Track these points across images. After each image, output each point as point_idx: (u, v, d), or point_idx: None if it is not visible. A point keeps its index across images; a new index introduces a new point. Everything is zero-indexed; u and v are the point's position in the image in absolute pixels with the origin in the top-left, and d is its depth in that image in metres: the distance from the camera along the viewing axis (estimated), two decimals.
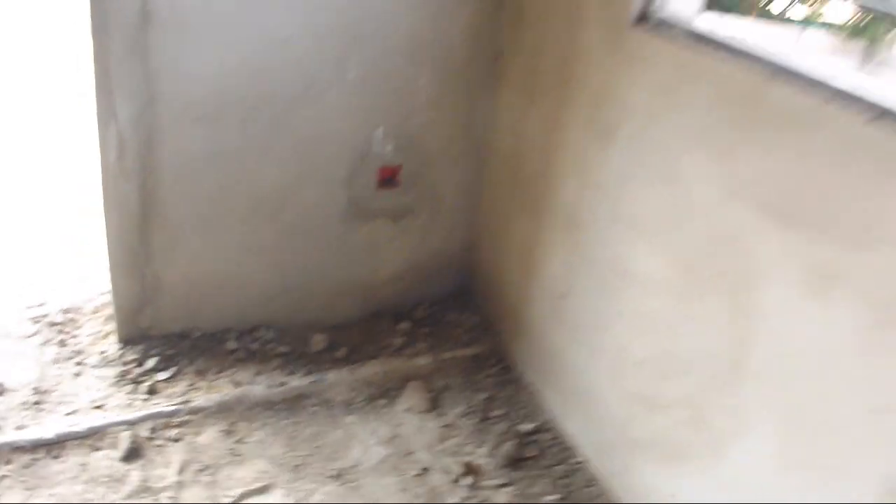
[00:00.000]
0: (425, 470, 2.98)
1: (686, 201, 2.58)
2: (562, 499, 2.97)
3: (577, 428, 3.26)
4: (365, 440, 3.05)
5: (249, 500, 2.71)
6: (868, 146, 2.02)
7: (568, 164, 3.16)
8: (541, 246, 3.40)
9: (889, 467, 2.02)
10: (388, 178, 3.43)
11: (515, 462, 3.09)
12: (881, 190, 2.00)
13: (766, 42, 2.47)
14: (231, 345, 3.35)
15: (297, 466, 2.88)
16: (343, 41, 3.03)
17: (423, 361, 3.50)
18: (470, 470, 3.01)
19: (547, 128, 3.27)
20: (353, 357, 3.45)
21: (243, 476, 2.79)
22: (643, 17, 2.74)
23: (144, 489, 2.68)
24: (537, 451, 3.18)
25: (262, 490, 2.76)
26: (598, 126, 2.94)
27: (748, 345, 2.41)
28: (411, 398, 3.30)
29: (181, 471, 2.77)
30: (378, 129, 3.28)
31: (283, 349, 3.40)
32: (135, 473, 2.74)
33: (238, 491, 2.73)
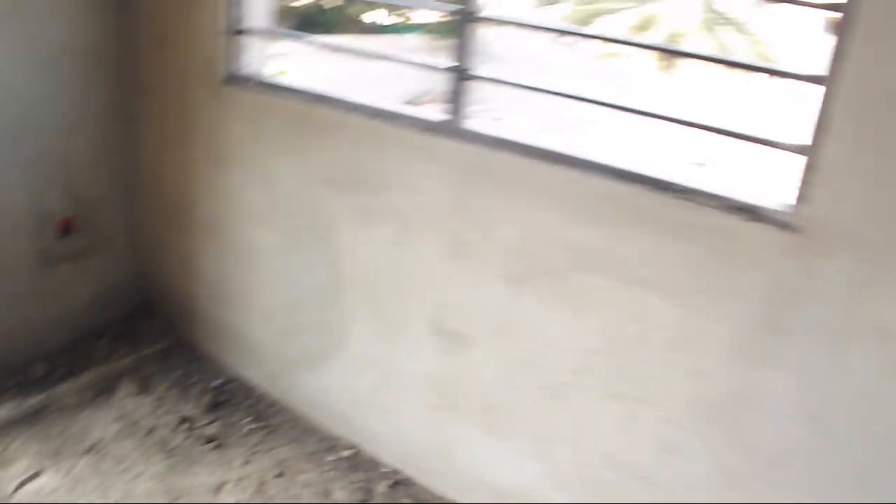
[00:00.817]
0: (152, 429, 4.04)
1: (282, 190, 3.89)
2: (255, 419, 4.17)
3: (251, 371, 4.45)
4: (100, 423, 4.04)
5: (29, 485, 3.59)
6: (373, 135, 3.45)
7: (200, 188, 4.30)
8: (193, 252, 4.50)
9: (433, 311, 3.46)
10: (66, 228, 4.33)
11: (215, 406, 4.26)
12: (383, 160, 3.45)
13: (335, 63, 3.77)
14: None
15: (55, 454, 3.79)
16: (17, 132, 3.96)
17: (127, 361, 4.50)
18: (184, 420, 4.11)
19: (179, 164, 4.36)
20: (72, 372, 4.33)
21: (16, 471, 3.65)
22: (230, 77, 3.98)
23: None
24: (228, 395, 4.38)
25: (35, 476, 3.64)
26: (215, 156, 4.14)
27: (338, 267, 3.77)
28: (126, 388, 4.29)
29: None
30: (52, 191, 4.21)
31: (12, 381, 4.19)
32: None
33: (17, 481, 3.59)
